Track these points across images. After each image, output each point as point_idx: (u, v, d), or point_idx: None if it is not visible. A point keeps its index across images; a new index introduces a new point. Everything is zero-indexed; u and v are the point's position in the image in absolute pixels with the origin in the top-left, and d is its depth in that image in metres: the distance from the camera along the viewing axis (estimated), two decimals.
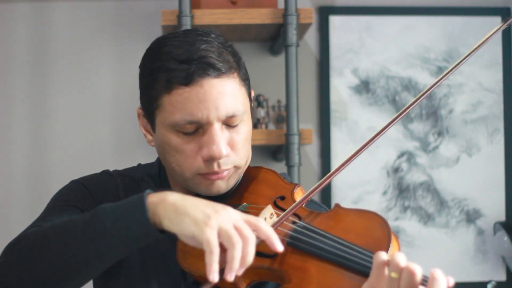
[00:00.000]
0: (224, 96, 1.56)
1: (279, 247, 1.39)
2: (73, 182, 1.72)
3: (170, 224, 1.38)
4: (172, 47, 1.58)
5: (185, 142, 1.58)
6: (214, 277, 1.33)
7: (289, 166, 2.72)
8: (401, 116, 1.59)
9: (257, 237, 1.40)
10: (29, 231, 1.51)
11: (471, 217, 3.08)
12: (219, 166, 1.58)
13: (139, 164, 1.79)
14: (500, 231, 3.01)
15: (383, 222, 1.46)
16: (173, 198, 1.40)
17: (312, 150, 3.06)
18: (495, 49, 3.10)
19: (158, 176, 1.72)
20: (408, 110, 1.60)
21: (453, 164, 3.09)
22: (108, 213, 1.42)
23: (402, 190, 3.07)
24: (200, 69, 1.55)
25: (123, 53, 3.02)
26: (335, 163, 3.05)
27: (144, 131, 1.67)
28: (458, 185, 3.08)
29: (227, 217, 1.37)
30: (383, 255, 1.35)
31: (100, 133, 3.02)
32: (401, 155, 3.08)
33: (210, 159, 1.57)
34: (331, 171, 1.57)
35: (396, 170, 3.07)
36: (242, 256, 1.35)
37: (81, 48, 3.03)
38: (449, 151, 3.08)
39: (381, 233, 1.44)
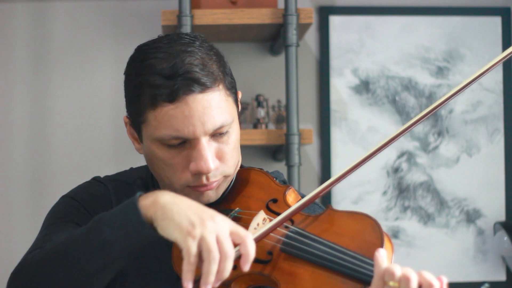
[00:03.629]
0: (210, 110, 1.54)
1: (246, 268, 1.38)
2: (63, 197, 1.70)
3: (158, 228, 1.39)
4: (155, 60, 1.55)
5: (173, 156, 1.57)
6: (188, 285, 1.34)
7: (289, 166, 2.72)
8: (411, 127, 1.53)
9: (237, 252, 1.39)
10: (30, 255, 1.51)
11: (471, 217, 3.08)
12: (207, 179, 1.57)
13: (131, 168, 1.78)
14: (500, 231, 3.01)
15: (374, 224, 1.46)
16: (164, 200, 1.40)
17: (312, 150, 3.06)
18: (495, 49, 3.10)
19: (151, 180, 1.71)
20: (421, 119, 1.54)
21: (453, 164, 3.09)
22: (105, 224, 1.42)
23: (402, 190, 3.07)
24: (184, 85, 1.52)
25: (123, 53, 3.01)
26: (335, 163, 3.05)
27: (131, 138, 1.66)
28: (458, 185, 3.08)
29: (212, 228, 1.36)
30: (382, 264, 1.36)
31: (100, 133, 3.01)
32: (401, 155, 3.08)
33: (199, 173, 1.56)
34: (325, 184, 1.54)
35: (396, 170, 3.07)
36: (218, 271, 1.35)
37: (81, 48, 3.03)
38: (449, 151, 3.08)
39: (373, 235, 1.44)
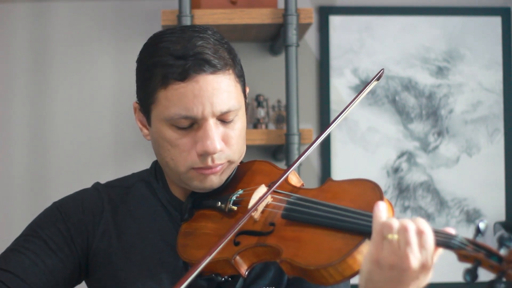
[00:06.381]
0: (219, 92, 1.58)
1: None
2: (53, 204, 1.74)
3: None
4: (169, 43, 1.60)
5: (180, 137, 1.60)
6: None
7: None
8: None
9: None
10: None
11: (471, 217, 3.08)
12: (213, 160, 1.60)
13: (133, 173, 1.80)
14: (500, 231, 3.01)
15: (374, 186, 1.49)
16: None
17: (312, 150, 3.06)
18: (495, 49, 3.10)
19: (155, 177, 1.73)
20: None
21: (453, 164, 3.09)
22: None
23: (402, 190, 3.07)
24: (196, 65, 1.57)
25: (123, 53, 3.02)
26: (335, 163, 3.05)
27: (140, 125, 1.69)
28: (458, 185, 3.08)
29: None
30: (381, 217, 1.36)
31: (100, 133, 3.01)
32: (401, 155, 3.08)
33: (204, 154, 1.59)
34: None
35: (396, 170, 3.07)
36: None
37: (81, 48, 3.03)
38: (449, 151, 3.08)
39: (373, 196, 1.47)
